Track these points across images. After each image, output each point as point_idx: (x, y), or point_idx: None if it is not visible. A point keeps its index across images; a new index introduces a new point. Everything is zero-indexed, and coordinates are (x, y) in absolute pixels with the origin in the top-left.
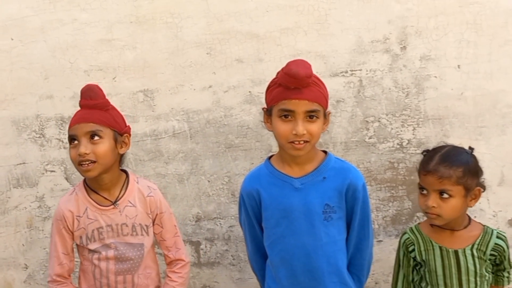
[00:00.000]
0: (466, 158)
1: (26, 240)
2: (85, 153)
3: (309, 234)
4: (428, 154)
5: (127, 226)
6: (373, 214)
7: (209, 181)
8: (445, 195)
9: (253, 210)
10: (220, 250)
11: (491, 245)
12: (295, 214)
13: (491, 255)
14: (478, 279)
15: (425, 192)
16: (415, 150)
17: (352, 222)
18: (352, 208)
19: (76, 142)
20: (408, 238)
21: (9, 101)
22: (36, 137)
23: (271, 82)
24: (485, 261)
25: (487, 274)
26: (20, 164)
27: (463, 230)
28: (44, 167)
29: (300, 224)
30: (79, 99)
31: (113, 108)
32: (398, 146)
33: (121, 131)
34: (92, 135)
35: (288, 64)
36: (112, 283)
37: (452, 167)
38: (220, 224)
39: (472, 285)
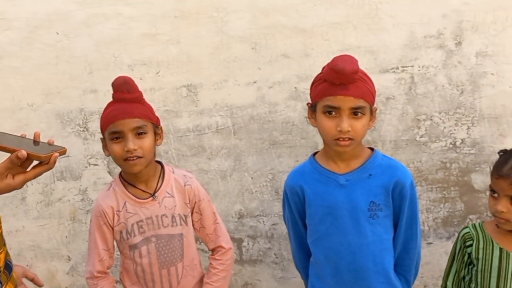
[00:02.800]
0: None
1: (69, 232)
2: (134, 149)
3: (355, 232)
4: (504, 157)
5: (167, 217)
6: (423, 215)
7: (252, 178)
8: None
9: (296, 206)
10: (262, 248)
11: None
12: (340, 211)
13: None
14: None
15: (496, 195)
16: (469, 150)
17: (399, 221)
18: (399, 207)
19: (120, 138)
20: (468, 232)
21: (54, 94)
22: (80, 130)
23: (316, 77)
24: None
25: None
26: (64, 157)
27: None
28: (87, 160)
29: (345, 221)
30: None
31: (144, 100)
32: (451, 146)
33: (157, 123)
34: (138, 130)
35: (334, 60)
36: (156, 278)
37: None
38: (263, 221)
39: None
